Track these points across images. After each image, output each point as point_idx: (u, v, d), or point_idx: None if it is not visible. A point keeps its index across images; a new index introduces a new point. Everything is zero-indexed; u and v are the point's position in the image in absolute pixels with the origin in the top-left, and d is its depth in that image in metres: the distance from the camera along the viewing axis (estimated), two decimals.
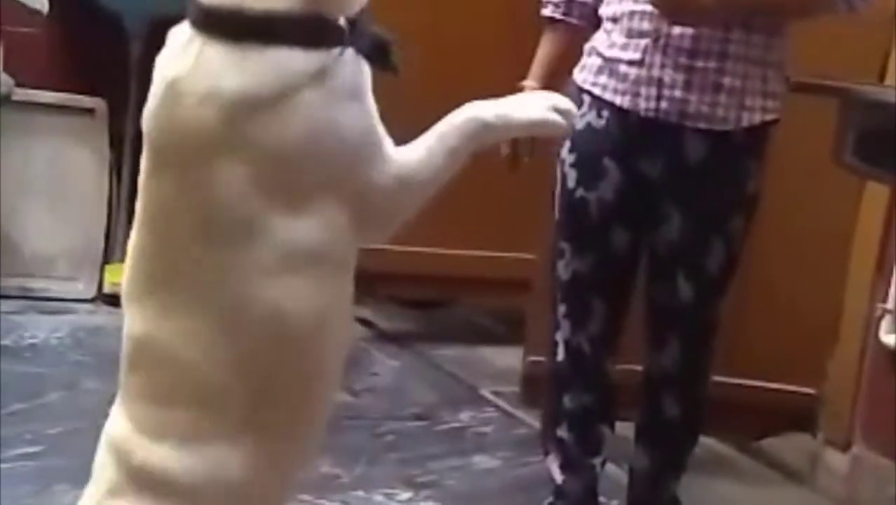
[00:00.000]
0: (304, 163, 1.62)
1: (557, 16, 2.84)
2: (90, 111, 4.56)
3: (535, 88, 2.81)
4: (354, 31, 1.68)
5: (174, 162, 1.64)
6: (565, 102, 1.80)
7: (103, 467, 1.72)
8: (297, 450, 1.74)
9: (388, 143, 1.72)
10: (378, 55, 1.71)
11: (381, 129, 1.71)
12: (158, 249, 1.66)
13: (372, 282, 4.67)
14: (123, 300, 1.73)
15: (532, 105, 1.81)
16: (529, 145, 2.81)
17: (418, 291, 4.68)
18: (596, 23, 2.74)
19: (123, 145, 4.61)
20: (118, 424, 1.72)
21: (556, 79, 2.83)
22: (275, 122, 1.60)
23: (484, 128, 1.75)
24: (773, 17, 2.62)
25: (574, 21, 2.82)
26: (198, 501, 1.65)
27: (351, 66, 1.66)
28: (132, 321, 1.70)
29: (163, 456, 1.64)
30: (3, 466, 3.07)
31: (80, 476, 3.04)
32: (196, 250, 1.63)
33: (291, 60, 1.60)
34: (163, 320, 1.66)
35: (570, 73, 2.79)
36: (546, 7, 2.86)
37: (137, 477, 1.66)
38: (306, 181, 1.63)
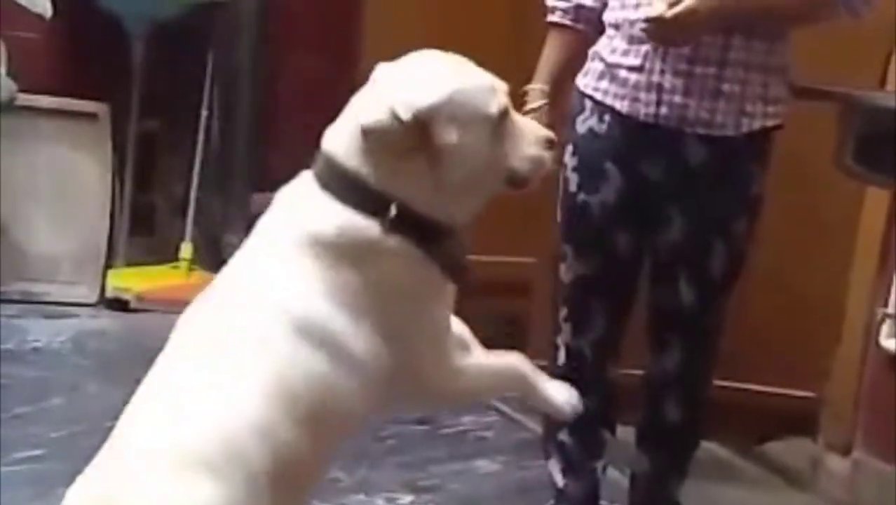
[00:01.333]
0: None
1: (565, 21, 2.84)
2: (93, 115, 4.57)
3: (539, 91, 2.81)
4: (440, 242, 1.88)
5: None
6: (578, 402, 2.18)
7: None
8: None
9: (446, 339, 1.95)
10: (455, 273, 1.96)
11: (433, 325, 1.91)
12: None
13: None
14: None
15: (561, 391, 2.19)
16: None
17: None
18: (601, 29, 2.74)
19: (126, 149, 4.63)
20: None
21: (561, 83, 2.83)
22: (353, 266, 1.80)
23: (520, 376, 2.12)
24: (774, 26, 2.62)
25: (580, 27, 2.82)
26: None
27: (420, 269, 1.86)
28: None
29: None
30: (6, 469, 3.08)
31: None
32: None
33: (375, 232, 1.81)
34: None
35: (573, 78, 2.80)
36: (552, 13, 2.86)
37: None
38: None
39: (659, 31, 2.49)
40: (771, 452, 3.77)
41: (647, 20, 2.49)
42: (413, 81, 1.83)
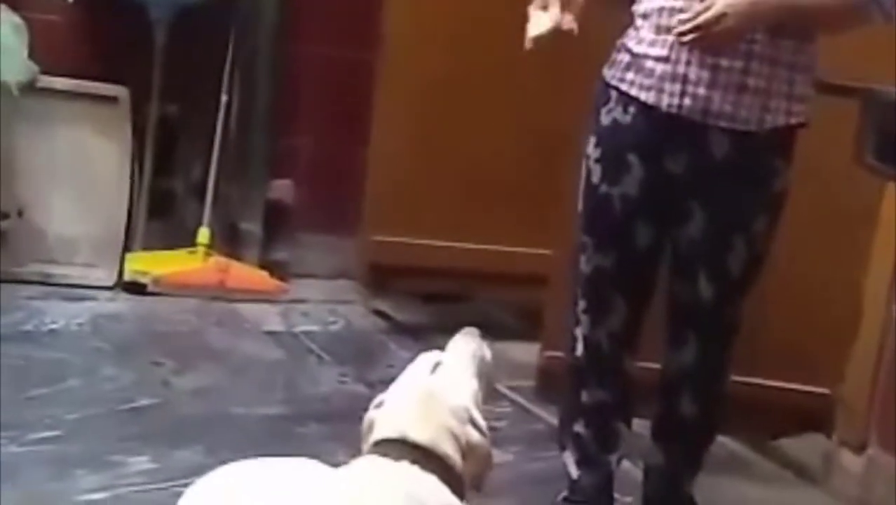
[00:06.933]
0: None
1: None
2: (113, 99, 4.57)
3: None
4: None
5: None
6: None
7: None
8: None
9: None
10: None
11: None
12: None
13: (389, 275, 4.69)
14: None
15: None
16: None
17: (436, 284, 4.69)
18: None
19: (146, 133, 4.63)
20: None
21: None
22: None
23: None
24: (807, 31, 2.61)
25: None
26: None
27: None
28: None
29: None
30: (23, 450, 3.09)
31: (98, 461, 3.06)
32: None
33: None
34: None
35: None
36: None
37: None
38: None
39: (692, 36, 2.49)
40: (785, 447, 3.76)
41: (680, 22, 2.49)
42: None
